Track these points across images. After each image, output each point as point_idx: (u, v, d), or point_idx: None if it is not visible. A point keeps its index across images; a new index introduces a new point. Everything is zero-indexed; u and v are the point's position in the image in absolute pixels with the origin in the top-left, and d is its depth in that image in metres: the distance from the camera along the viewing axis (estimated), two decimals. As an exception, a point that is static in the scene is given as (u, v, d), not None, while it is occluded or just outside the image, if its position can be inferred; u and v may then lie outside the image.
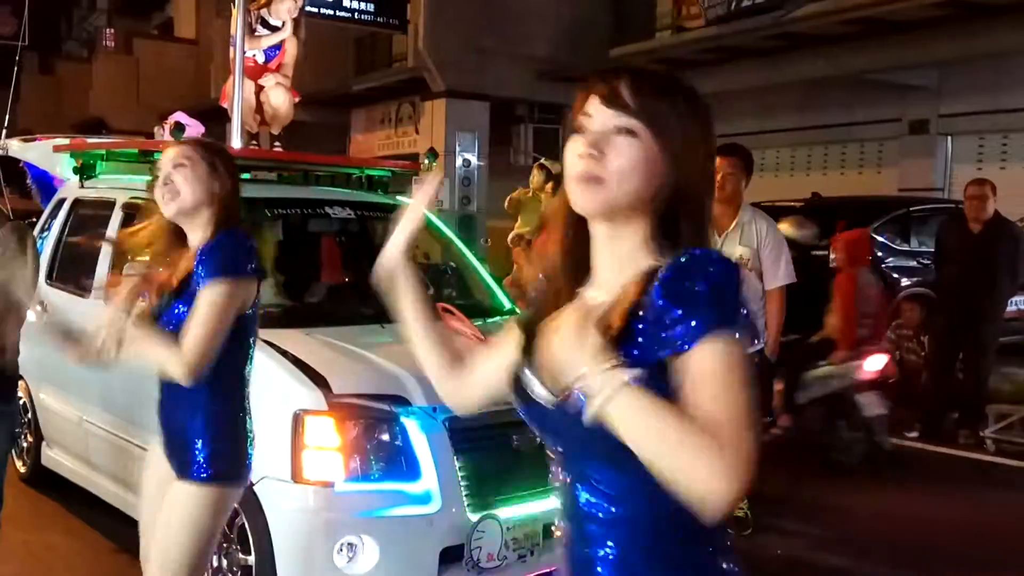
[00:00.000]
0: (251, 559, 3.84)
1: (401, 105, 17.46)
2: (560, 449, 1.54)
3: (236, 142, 5.63)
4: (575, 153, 1.45)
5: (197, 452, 2.83)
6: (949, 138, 13.89)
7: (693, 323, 1.32)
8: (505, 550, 3.90)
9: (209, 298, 2.73)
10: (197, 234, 2.90)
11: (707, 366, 1.31)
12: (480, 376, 1.80)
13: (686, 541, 1.43)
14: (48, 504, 5.64)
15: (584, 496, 1.48)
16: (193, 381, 2.72)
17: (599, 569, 1.47)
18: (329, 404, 3.71)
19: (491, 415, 3.98)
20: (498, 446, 4.01)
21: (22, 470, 5.92)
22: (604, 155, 1.42)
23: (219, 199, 2.89)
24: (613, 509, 1.45)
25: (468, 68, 15.61)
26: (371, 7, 15.22)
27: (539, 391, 1.49)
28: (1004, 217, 7.93)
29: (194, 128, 5.61)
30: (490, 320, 4.88)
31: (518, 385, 1.56)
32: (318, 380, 3.76)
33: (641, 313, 1.38)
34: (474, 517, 3.82)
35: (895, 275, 10.37)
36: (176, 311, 2.81)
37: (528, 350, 1.53)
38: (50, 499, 5.69)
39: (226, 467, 2.89)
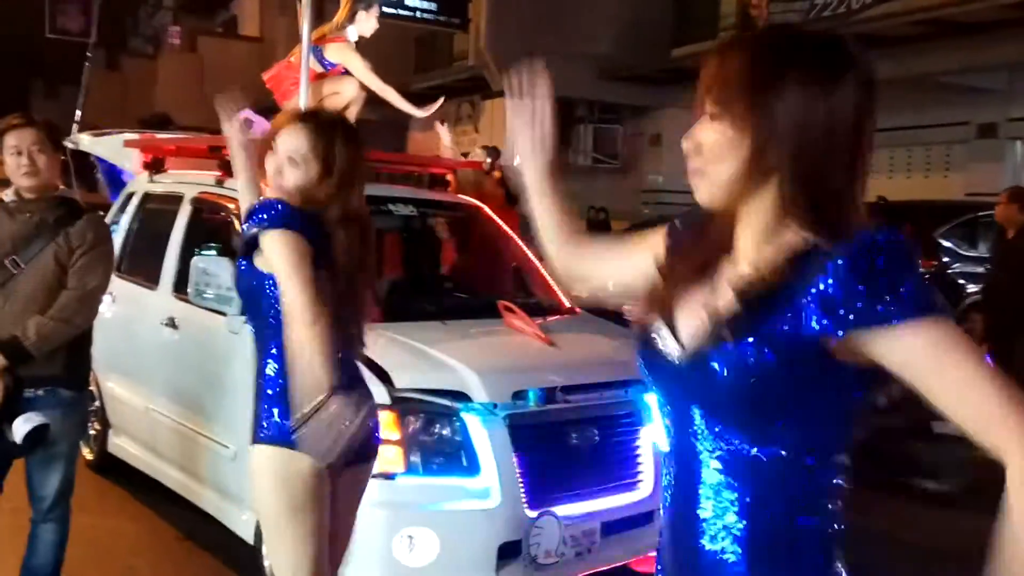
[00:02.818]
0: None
1: (461, 104, 17.54)
2: (677, 410, 1.51)
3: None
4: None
5: None
6: (1019, 142, 13.62)
7: (899, 299, 1.27)
8: (563, 547, 3.90)
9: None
10: None
11: (933, 350, 1.28)
12: (606, 261, 1.87)
13: (807, 514, 1.42)
14: (114, 490, 5.76)
15: (701, 456, 1.45)
16: None
17: (705, 535, 1.45)
18: (391, 398, 3.75)
19: (551, 413, 4.04)
20: (557, 443, 4.03)
21: (89, 457, 6.04)
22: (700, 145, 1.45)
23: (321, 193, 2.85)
24: (733, 474, 1.43)
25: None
26: (433, 6, 15.32)
27: (670, 345, 1.49)
28: None
29: (260, 125, 5.68)
30: (551, 319, 4.89)
31: (644, 338, 1.55)
32: (381, 375, 3.79)
33: (799, 289, 1.34)
34: (533, 513, 3.83)
35: (961, 281, 10.20)
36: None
37: (663, 308, 1.54)
38: (116, 485, 5.81)
39: None
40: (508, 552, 3.80)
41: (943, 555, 5.22)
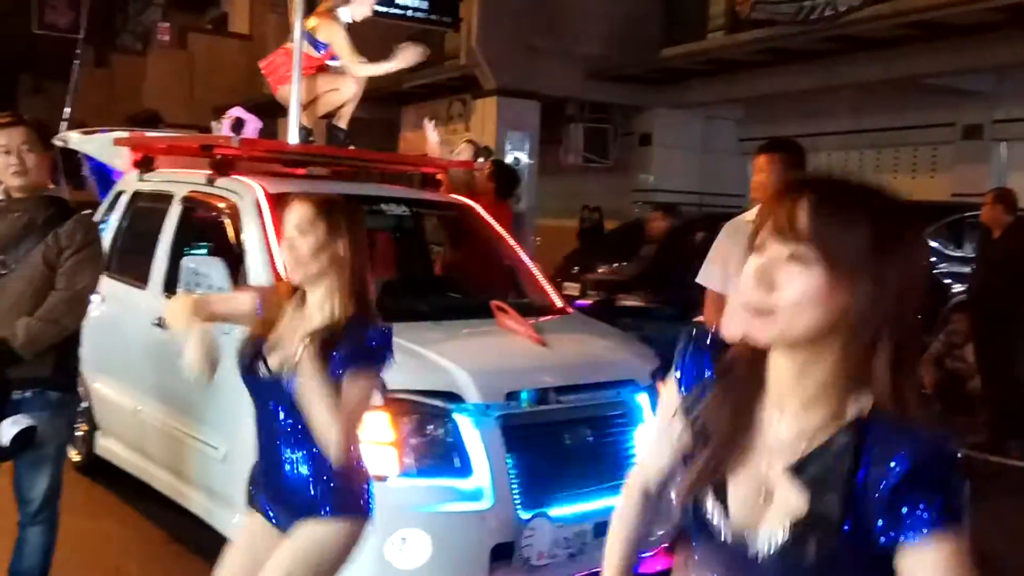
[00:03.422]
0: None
1: (452, 103, 17.50)
2: None
3: (293, 138, 5.66)
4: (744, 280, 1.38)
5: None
6: (1004, 144, 13.67)
7: (924, 514, 1.29)
8: (556, 548, 3.90)
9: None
10: (317, 295, 2.73)
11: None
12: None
13: None
14: (101, 492, 5.72)
15: None
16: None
17: None
18: (383, 399, 3.72)
19: (543, 414, 4.03)
20: (550, 444, 4.03)
21: (76, 459, 5.98)
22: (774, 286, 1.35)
23: (345, 264, 2.69)
24: None
25: (519, 66, 15.60)
26: (424, 4, 15.28)
27: (728, 531, 1.46)
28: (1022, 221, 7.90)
29: (252, 123, 5.66)
30: (544, 319, 4.87)
31: (698, 515, 1.50)
32: (373, 375, 3.76)
33: (859, 488, 1.34)
34: (525, 515, 3.82)
35: (947, 281, 10.24)
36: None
37: (711, 476, 1.48)
38: (104, 488, 5.77)
39: None
40: (501, 553, 3.80)
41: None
